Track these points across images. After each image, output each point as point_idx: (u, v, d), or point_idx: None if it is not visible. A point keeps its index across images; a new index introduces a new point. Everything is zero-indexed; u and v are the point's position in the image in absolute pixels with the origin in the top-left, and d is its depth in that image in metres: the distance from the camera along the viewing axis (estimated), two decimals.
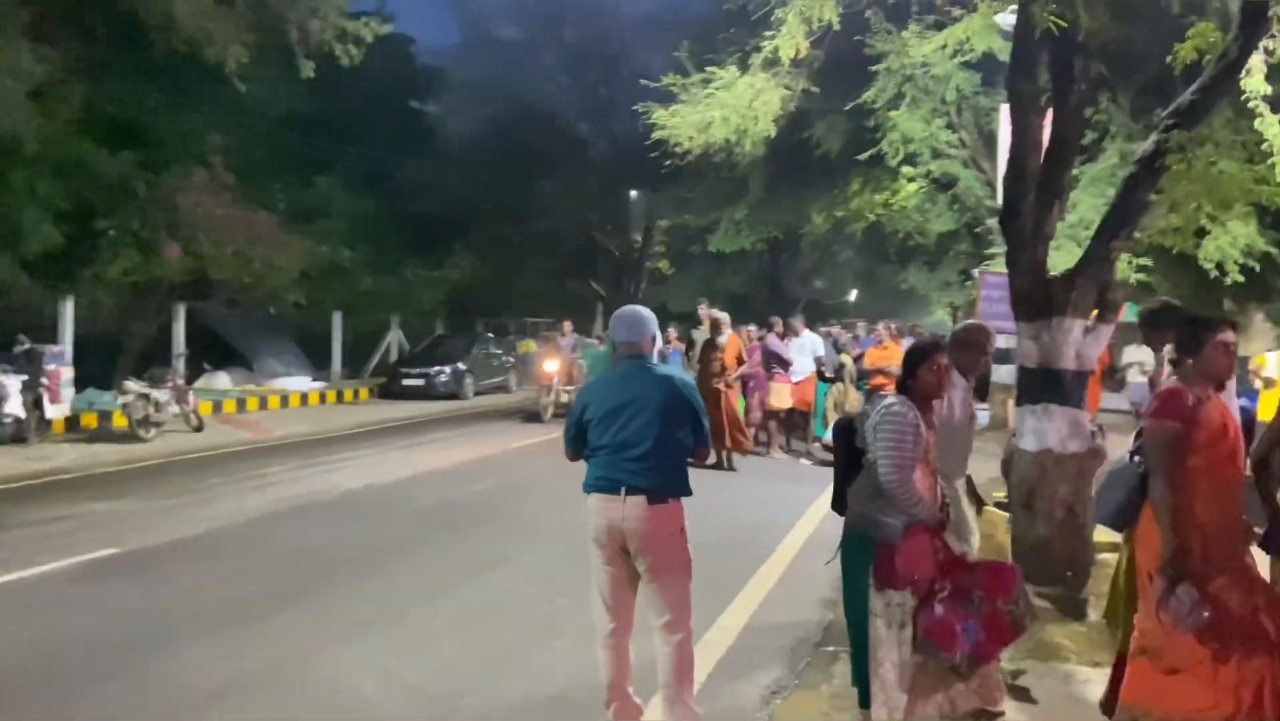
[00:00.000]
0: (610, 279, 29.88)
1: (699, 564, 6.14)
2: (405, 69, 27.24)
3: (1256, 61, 6.67)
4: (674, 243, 32.03)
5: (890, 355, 12.17)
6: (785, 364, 11.85)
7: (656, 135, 14.16)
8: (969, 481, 5.17)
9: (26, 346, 12.47)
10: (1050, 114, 6.85)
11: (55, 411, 12.75)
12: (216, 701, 4.23)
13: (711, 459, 11.05)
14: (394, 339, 24.69)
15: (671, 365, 12.45)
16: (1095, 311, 6.45)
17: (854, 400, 12.17)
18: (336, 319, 22.62)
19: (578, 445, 4.00)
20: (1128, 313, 8.76)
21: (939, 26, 12.91)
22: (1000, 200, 9.67)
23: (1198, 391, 3.52)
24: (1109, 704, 3.97)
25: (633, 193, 27.78)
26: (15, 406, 11.65)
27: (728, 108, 13.78)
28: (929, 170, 14.15)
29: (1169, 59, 6.91)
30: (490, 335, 24.37)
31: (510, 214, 26.42)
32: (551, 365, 16.16)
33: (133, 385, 12.71)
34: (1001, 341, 15.82)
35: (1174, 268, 13.06)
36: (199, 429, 13.59)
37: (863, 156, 14.43)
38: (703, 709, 3.96)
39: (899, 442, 3.58)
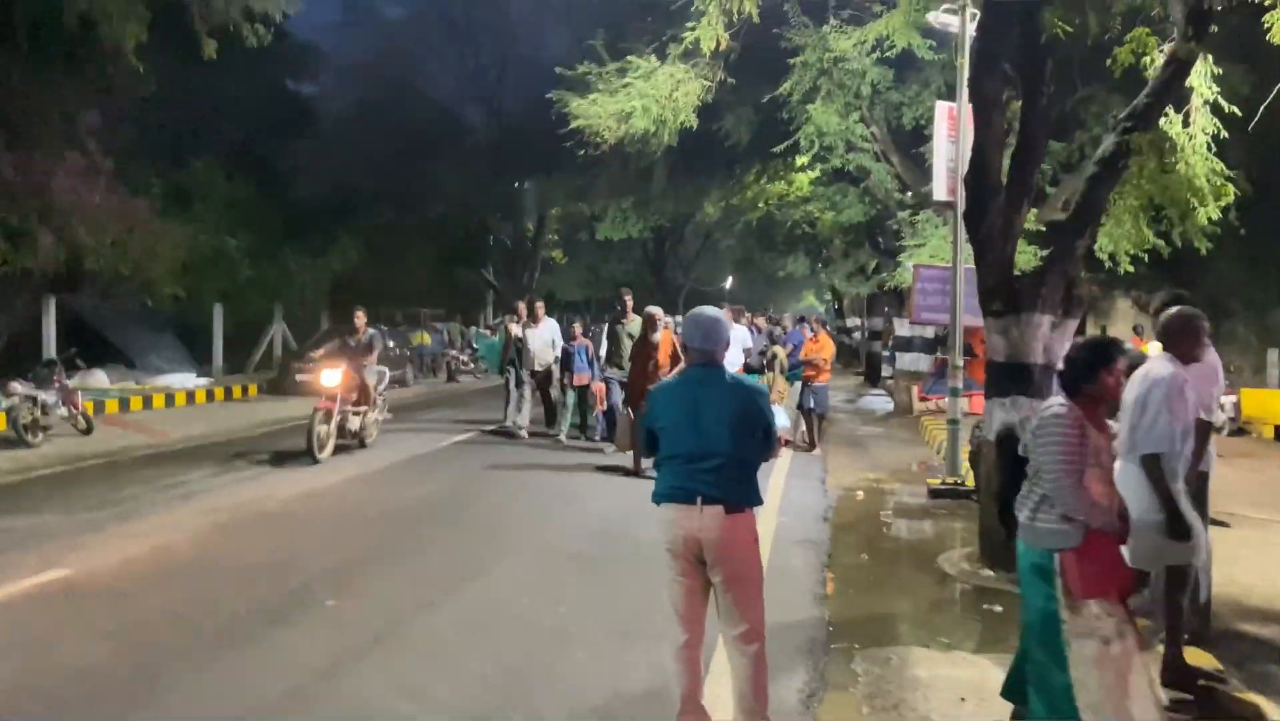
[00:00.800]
0: (503, 267, 29.41)
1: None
2: (278, 46, 25.95)
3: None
4: (562, 230, 31.86)
5: (821, 347, 12.43)
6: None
7: (575, 125, 14.12)
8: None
9: None
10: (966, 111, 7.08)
11: None
12: None
13: (614, 456, 10.97)
14: (277, 331, 23.62)
15: (579, 360, 12.38)
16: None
17: (784, 390, 12.38)
18: (217, 311, 21.45)
19: (651, 448, 3.91)
20: None
21: (855, 21, 13.29)
22: (934, 193, 10.07)
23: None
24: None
25: (518, 182, 27.43)
26: None
27: (648, 98, 13.83)
28: (842, 163, 14.47)
29: (1108, 62, 7.31)
30: (384, 326, 23.60)
31: (396, 199, 25.72)
32: (332, 377, 11.10)
33: (18, 387, 11.71)
34: (904, 330, 16.57)
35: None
36: (88, 431, 12.65)
37: (778, 149, 14.66)
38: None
39: (1065, 446, 3.46)
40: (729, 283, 56.07)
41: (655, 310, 10.86)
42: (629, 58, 13.77)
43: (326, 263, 24.90)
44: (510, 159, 25.73)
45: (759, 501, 3.84)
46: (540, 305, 13.53)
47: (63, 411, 12.35)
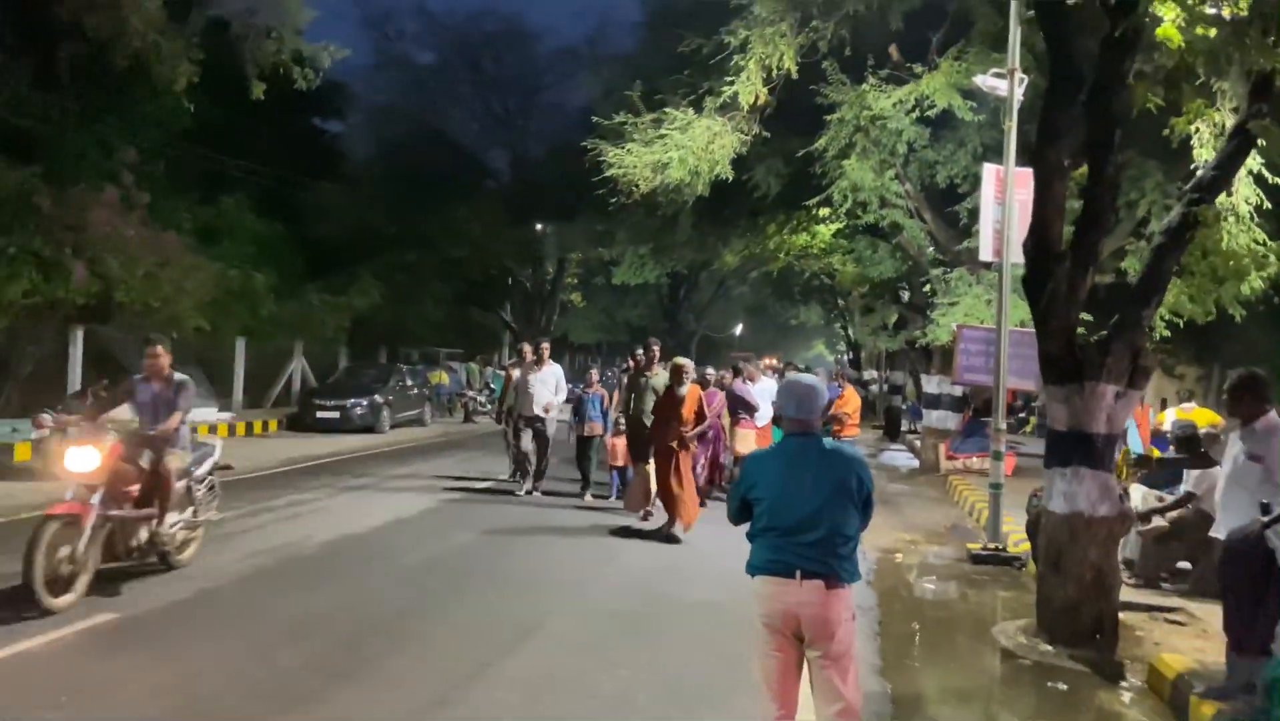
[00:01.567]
0: (521, 309, 29.47)
1: (721, 625, 5.94)
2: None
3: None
4: (579, 274, 31.98)
5: (845, 401, 12.36)
6: (752, 410, 11.82)
7: (610, 173, 14.21)
8: None
9: None
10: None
11: None
12: None
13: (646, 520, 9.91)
14: (297, 367, 23.62)
15: (592, 410, 11.83)
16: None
17: None
18: (240, 345, 21.46)
19: (741, 518, 3.84)
20: None
21: (894, 80, 13.41)
22: (1009, 259, 10.03)
23: None
24: None
25: (539, 226, 27.60)
26: None
27: (685, 149, 13.93)
28: (875, 218, 14.50)
29: (1165, 131, 7.32)
30: (404, 366, 23.59)
31: (418, 240, 25.84)
32: (83, 460, 6.56)
33: (48, 419, 11.65)
34: (933, 387, 16.49)
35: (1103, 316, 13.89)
36: None
37: (810, 202, 14.72)
38: None
39: None
40: (739, 329, 56.21)
41: (685, 362, 9.97)
42: (665, 109, 13.92)
43: (347, 301, 24.95)
44: (532, 203, 25.90)
45: (858, 576, 3.76)
46: (546, 347, 12.30)
47: None
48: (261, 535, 8.90)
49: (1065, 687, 5.80)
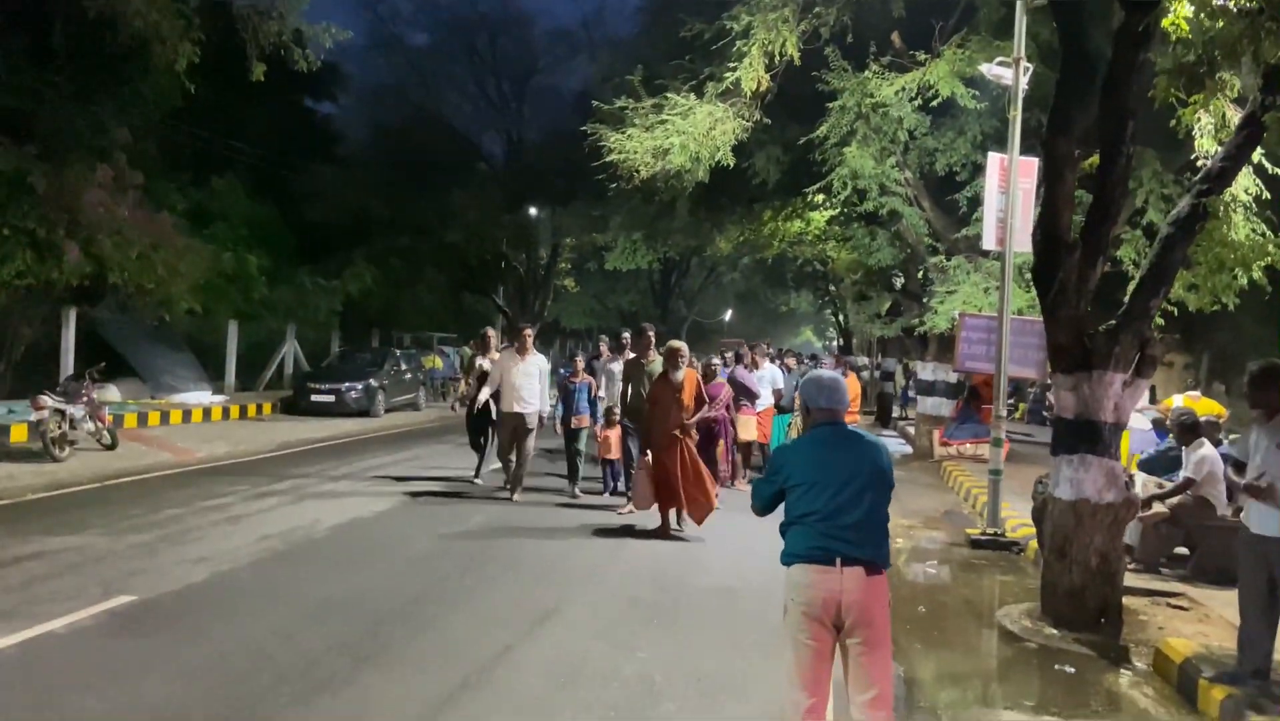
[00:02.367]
0: (515, 294, 29.41)
1: (736, 612, 6.00)
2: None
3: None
4: (572, 259, 31.93)
5: (850, 390, 12.41)
6: (754, 397, 11.87)
7: (611, 158, 14.20)
8: None
9: None
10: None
11: None
12: None
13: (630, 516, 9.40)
14: (289, 350, 23.54)
15: (580, 400, 10.99)
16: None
17: None
18: (232, 328, 21.37)
19: (769, 508, 3.89)
20: None
21: (896, 68, 13.43)
22: (1018, 250, 10.08)
23: None
24: None
25: (532, 211, 27.49)
26: None
27: (686, 135, 13.92)
28: (875, 206, 14.54)
29: (1171, 123, 7.39)
30: (397, 351, 23.52)
31: (411, 224, 25.71)
32: None
33: (48, 400, 11.61)
34: (927, 374, 16.60)
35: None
36: (112, 447, 12.56)
37: (810, 189, 14.75)
38: None
39: None
40: (729, 316, 56.33)
41: (679, 345, 9.39)
42: (666, 94, 13.91)
43: (340, 284, 24.87)
44: (528, 187, 25.81)
45: (889, 562, 3.81)
46: (529, 334, 11.00)
47: (89, 426, 12.26)
48: (268, 518, 8.93)
49: (1072, 670, 5.90)
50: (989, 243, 10.17)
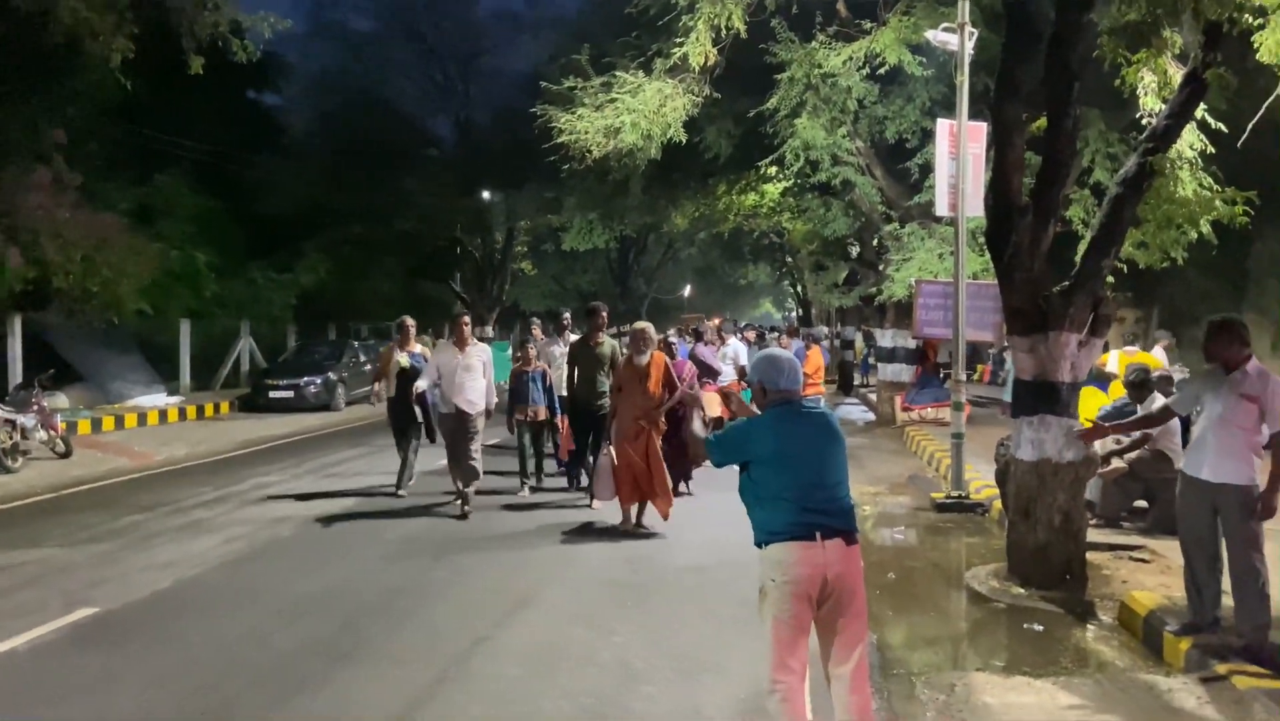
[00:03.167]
0: (472, 279, 29.18)
1: (710, 588, 5.98)
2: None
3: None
4: (528, 242, 31.74)
5: (810, 361, 12.50)
6: (716, 374, 11.89)
7: (562, 139, 14.09)
8: None
9: None
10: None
11: None
12: None
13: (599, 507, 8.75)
14: (244, 347, 23.19)
15: (534, 391, 9.78)
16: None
17: None
18: (184, 327, 20.97)
19: (727, 462, 3.90)
20: None
21: (842, 37, 13.45)
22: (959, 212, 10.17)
23: None
24: None
25: (486, 194, 27.25)
26: None
27: (637, 113, 13.84)
28: (828, 176, 14.59)
29: (1116, 82, 7.47)
30: (355, 342, 23.26)
31: (364, 214, 25.40)
32: None
33: None
34: (887, 341, 16.75)
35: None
36: (66, 455, 12.32)
37: (763, 163, 14.75)
38: None
39: None
40: (688, 291, 56.43)
41: (645, 326, 8.71)
42: (615, 73, 13.81)
43: (293, 278, 24.56)
44: (479, 171, 25.59)
45: (857, 528, 3.84)
46: (466, 322, 9.42)
47: (42, 435, 12.02)
48: (233, 520, 8.81)
49: (1041, 628, 6.01)
50: (942, 209, 10.26)
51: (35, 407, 11.99)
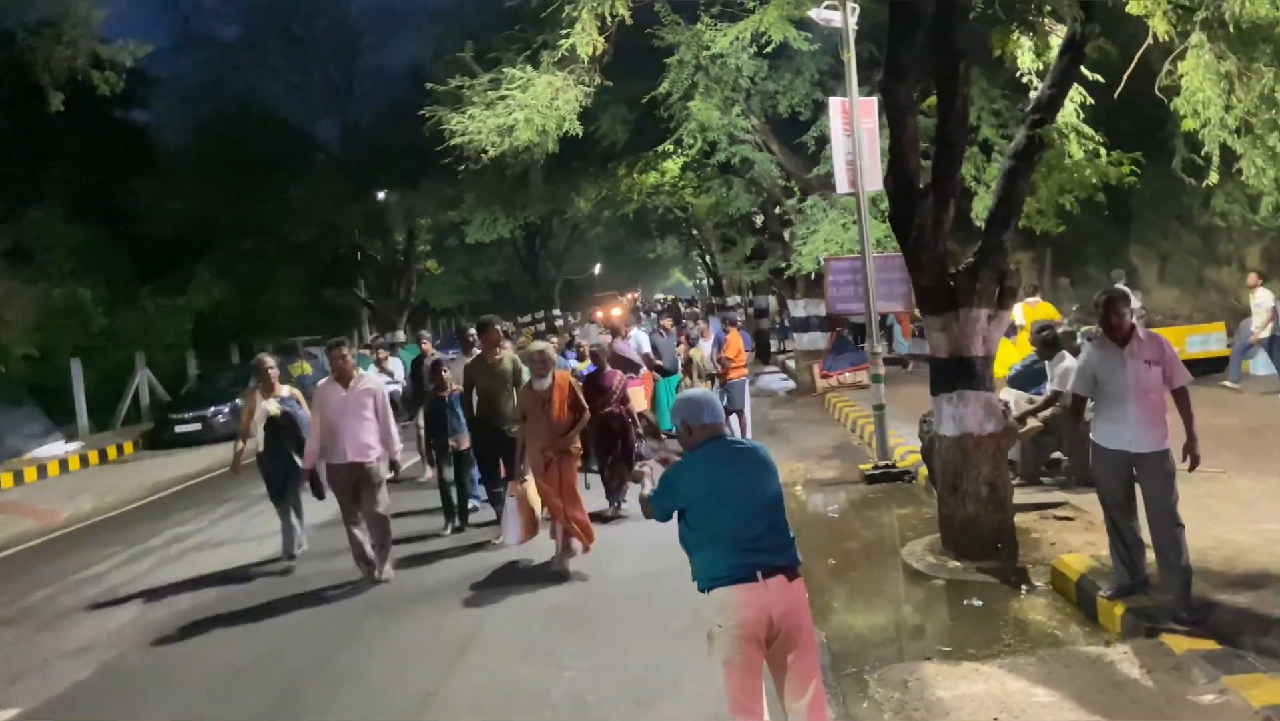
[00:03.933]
0: (377, 283, 28.49)
1: (659, 599, 5.81)
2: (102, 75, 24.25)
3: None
4: (431, 239, 31.09)
5: (731, 345, 12.51)
6: (636, 368, 11.82)
7: (455, 141, 13.78)
8: None
9: None
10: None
11: None
12: None
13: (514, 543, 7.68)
14: (142, 379, 22.19)
15: (455, 419, 8.76)
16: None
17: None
18: (76, 367, 19.92)
19: (667, 517, 3.85)
20: None
21: (727, 17, 13.38)
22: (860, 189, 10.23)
23: None
24: None
25: (382, 195, 26.53)
26: None
27: (529, 109, 13.60)
28: (727, 155, 14.59)
29: (996, 53, 7.60)
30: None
31: (255, 227, 24.46)
32: None
33: None
34: (800, 311, 16.91)
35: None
36: None
37: (662, 146, 14.67)
38: None
39: None
40: (598, 269, 56.26)
41: (543, 348, 7.77)
42: (501, 68, 13.52)
43: (187, 301, 23.60)
44: (372, 173, 24.92)
45: (800, 560, 3.82)
46: (345, 354, 7.65)
47: None
48: (150, 583, 8.37)
49: (980, 603, 6.14)
50: (842, 186, 10.33)
51: None
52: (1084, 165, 7.44)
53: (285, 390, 8.53)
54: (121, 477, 15.11)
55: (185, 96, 24.99)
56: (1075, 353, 8.97)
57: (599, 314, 33.48)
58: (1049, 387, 8.79)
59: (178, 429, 18.20)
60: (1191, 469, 5.39)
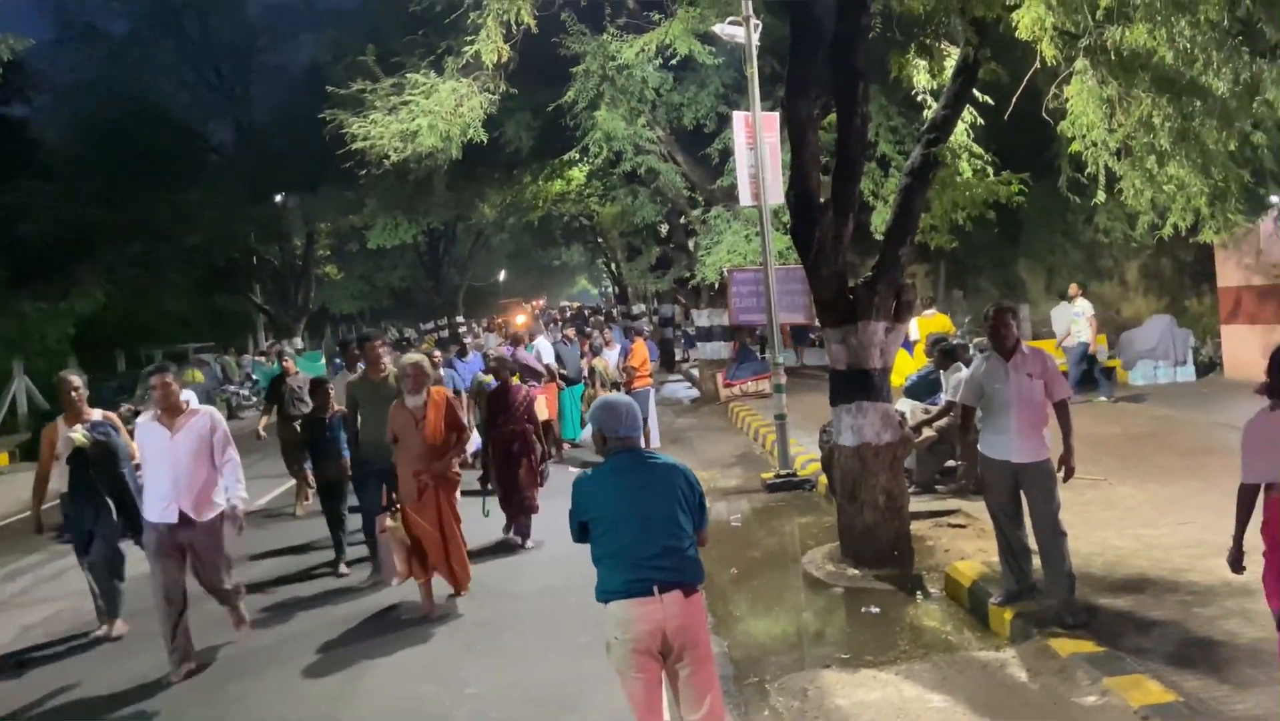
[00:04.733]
0: (274, 288, 27.65)
1: (562, 614, 5.81)
2: None
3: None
4: (330, 243, 30.42)
5: (636, 355, 12.54)
6: (539, 375, 11.73)
7: (356, 146, 13.50)
8: None
9: None
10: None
11: None
12: None
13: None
14: (20, 387, 21.09)
15: (338, 440, 7.75)
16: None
17: None
18: None
19: (583, 539, 3.82)
20: None
21: (633, 29, 13.46)
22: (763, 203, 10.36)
23: None
24: None
25: (278, 198, 25.84)
26: None
27: (433, 115, 13.44)
28: (632, 165, 14.66)
29: (892, 74, 7.82)
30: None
31: (142, 230, 23.54)
32: None
33: None
34: (704, 320, 17.06)
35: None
36: None
37: (568, 155, 14.65)
38: None
39: None
40: (503, 276, 55.78)
41: (418, 360, 6.99)
42: (405, 73, 13.32)
43: (69, 306, 22.54)
44: (268, 176, 24.22)
45: (703, 576, 3.83)
46: (169, 382, 5.90)
47: None
48: (26, 601, 7.98)
49: (878, 610, 6.27)
50: (745, 199, 10.47)
51: None
52: (975, 183, 7.70)
53: (97, 414, 6.87)
54: None
55: (69, 92, 23.93)
56: (968, 364, 9.31)
57: (499, 321, 33.12)
58: (944, 398, 9.07)
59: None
60: (1066, 479, 5.62)
